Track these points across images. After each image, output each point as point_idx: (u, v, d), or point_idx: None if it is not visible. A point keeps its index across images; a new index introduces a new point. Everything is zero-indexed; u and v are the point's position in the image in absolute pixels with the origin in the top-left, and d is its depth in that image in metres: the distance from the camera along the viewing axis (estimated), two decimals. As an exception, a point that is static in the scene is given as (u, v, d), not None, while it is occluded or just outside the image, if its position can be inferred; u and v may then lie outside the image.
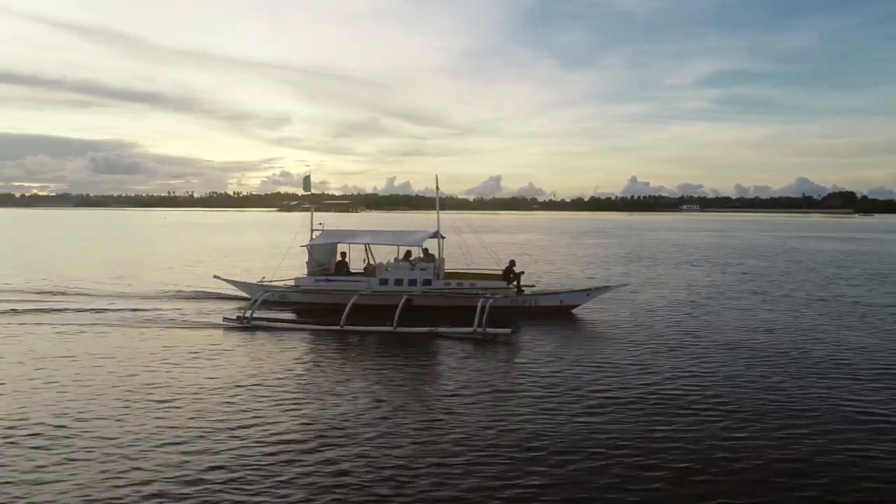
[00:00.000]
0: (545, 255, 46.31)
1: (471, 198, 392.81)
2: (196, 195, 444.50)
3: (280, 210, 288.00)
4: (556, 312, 21.00)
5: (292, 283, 22.43)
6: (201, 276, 30.84)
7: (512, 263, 22.20)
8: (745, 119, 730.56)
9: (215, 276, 24.82)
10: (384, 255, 23.19)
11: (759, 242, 64.53)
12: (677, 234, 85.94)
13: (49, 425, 10.56)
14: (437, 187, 22.93)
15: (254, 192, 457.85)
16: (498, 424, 10.69)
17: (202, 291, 25.25)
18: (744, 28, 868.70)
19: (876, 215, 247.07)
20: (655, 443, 9.90)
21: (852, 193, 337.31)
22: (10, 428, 10.42)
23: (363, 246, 23.39)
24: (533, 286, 23.34)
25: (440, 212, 22.77)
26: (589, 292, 21.52)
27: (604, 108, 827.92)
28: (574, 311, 21.27)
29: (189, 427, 10.53)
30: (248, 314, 19.23)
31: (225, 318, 19.50)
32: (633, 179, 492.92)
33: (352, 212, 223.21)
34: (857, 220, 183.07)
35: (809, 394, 12.40)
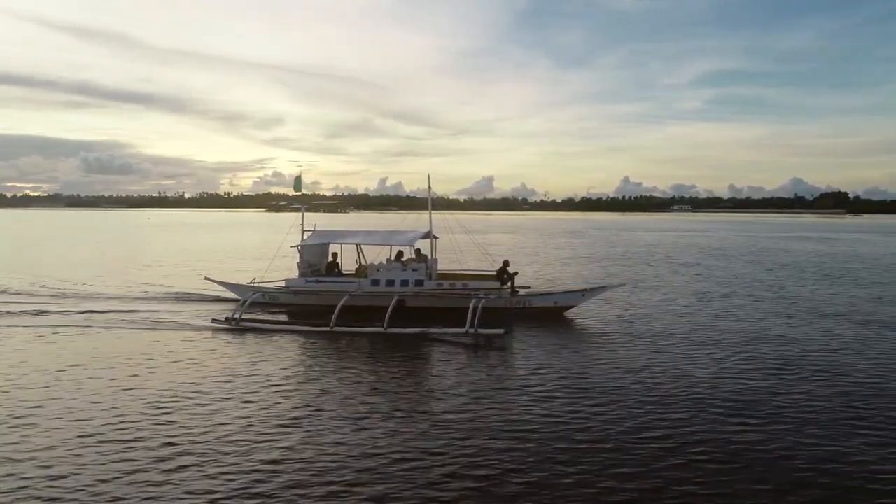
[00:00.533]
0: (508, 255, 45.57)
1: (461, 198, 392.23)
2: (187, 195, 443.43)
3: (268, 210, 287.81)
4: (551, 313, 20.73)
5: (283, 284, 22.06)
6: (188, 277, 30.42)
7: (506, 264, 21.91)
8: (741, 119, 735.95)
9: (206, 278, 24.44)
10: (376, 255, 22.89)
11: (731, 243, 64.33)
12: (654, 234, 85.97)
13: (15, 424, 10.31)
14: (430, 187, 22.62)
15: (244, 193, 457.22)
16: (488, 427, 10.43)
17: (192, 293, 24.85)
18: (741, 28, 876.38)
19: (866, 216, 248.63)
20: (649, 443, 9.73)
21: (845, 194, 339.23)
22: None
23: (355, 246, 23.07)
24: (528, 287, 23.06)
25: (433, 212, 22.45)
26: (584, 293, 21.26)
27: (599, 108, 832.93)
28: (568, 312, 21.02)
29: (167, 429, 10.25)
30: (237, 315, 18.89)
31: (213, 320, 19.15)
32: (626, 180, 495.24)
33: (340, 212, 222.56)
34: (846, 220, 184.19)
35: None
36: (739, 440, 9.98)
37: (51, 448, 9.59)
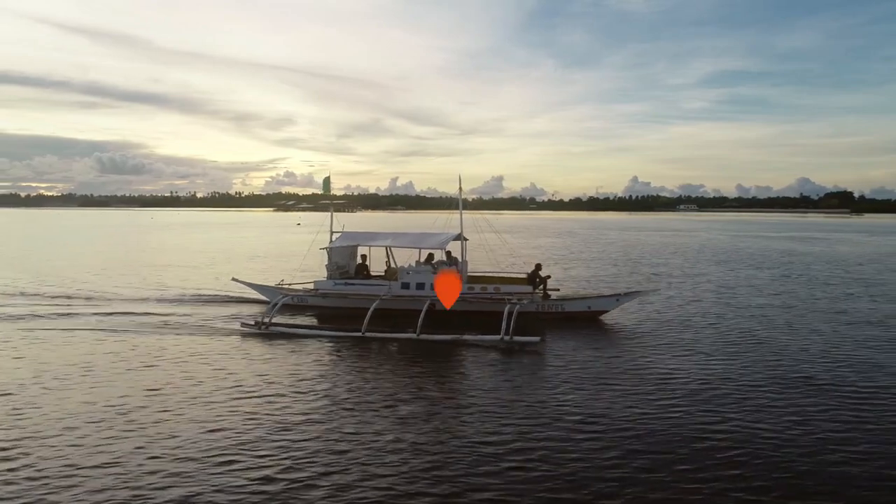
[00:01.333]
0: (478, 255, 44.87)
1: (470, 198, 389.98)
2: (199, 195, 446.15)
3: (276, 210, 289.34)
4: (584, 318, 20.29)
5: (311, 286, 21.71)
6: (209, 277, 30.13)
7: (538, 267, 21.47)
8: (747, 119, 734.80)
9: (233, 279, 24.17)
10: (406, 258, 22.51)
11: (713, 243, 64.01)
12: (642, 233, 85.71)
13: (46, 433, 10.09)
14: (461, 188, 22.19)
15: (256, 192, 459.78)
16: (527, 445, 9.98)
17: (217, 294, 24.59)
18: (746, 28, 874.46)
19: (867, 215, 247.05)
20: (693, 468, 9.26)
21: (850, 193, 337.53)
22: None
23: (384, 248, 22.70)
24: (557, 289, 22.60)
25: (463, 212, 21.98)
26: (618, 298, 20.80)
27: (605, 108, 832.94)
28: (602, 317, 20.58)
29: (199, 438, 10.01)
30: (266, 319, 18.54)
31: (243, 324, 18.81)
32: (635, 179, 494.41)
33: (348, 212, 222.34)
34: (847, 219, 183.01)
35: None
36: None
37: (80, 450, 9.42)
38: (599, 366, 14.81)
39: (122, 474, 8.76)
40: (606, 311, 20.63)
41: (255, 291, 23.38)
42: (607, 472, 8.96)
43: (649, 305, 22.91)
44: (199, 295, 24.63)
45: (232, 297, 23.89)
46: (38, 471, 8.90)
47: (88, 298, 23.76)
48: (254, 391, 12.60)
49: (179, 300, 23.54)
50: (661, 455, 9.55)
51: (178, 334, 17.86)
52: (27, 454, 9.44)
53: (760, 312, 22.01)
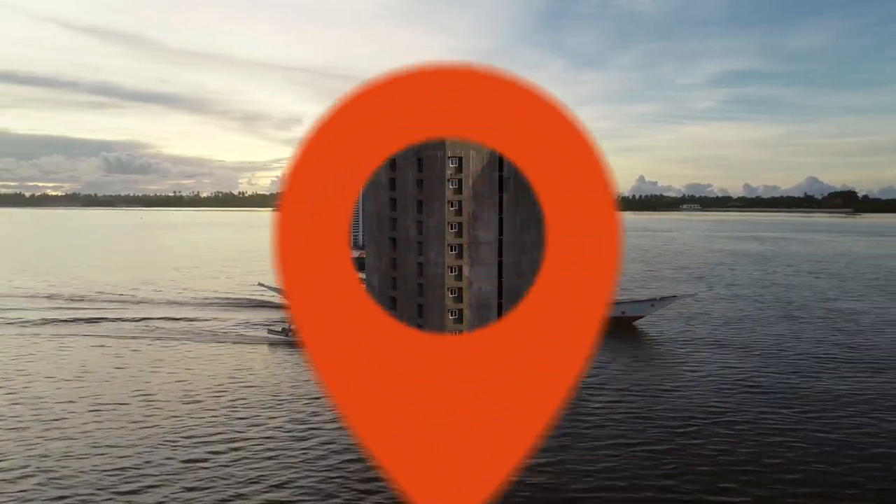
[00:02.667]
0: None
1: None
2: (203, 195, 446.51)
3: (274, 210, 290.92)
4: (619, 324, 19.76)
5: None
6: (222, 280, 29.68)
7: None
8: (755, 119, 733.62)
9: (259, 283, 23.78)
10: None
11: (677, 243, 64.93)
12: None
13: (62, 452, 9.64)
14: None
15: (261, 192, 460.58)
16: (573, 460, 9.51)
17: (240, 298, 24.21)
18: (754, 28, 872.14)
19: (867, 215, 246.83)
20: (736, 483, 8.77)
21: (853, 192, 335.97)
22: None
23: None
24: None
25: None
26: (653, 303, 20.31)
27: (614, 109, 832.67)
28: (637, 323, 20.06)
29: (227, 447, 9.60)
30: (293, 327, 18.04)
31: (270, 331, 18.36)
32: (641, 179, 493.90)
33: None
34: (844, 220, 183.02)
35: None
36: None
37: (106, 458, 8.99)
38: (643, 375, 14.31)
39: (147, 477, 8.43)
40: (641, 317, 20.09)
41: (282, 296, 22.86)
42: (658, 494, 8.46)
43: (682, 309, 22.40)
44: (226, 298, 24.22)
45: (255, 301, 23.47)
46: (55, 470, 8.53)
47: (112, 301, 23.34)
48: (285, 404, 12.18)
49: (205, 304, 23.12)
50: (721, 470, 9.06)
51: (207, 342, 17.43)
52: (44, 455, 9.13)
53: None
